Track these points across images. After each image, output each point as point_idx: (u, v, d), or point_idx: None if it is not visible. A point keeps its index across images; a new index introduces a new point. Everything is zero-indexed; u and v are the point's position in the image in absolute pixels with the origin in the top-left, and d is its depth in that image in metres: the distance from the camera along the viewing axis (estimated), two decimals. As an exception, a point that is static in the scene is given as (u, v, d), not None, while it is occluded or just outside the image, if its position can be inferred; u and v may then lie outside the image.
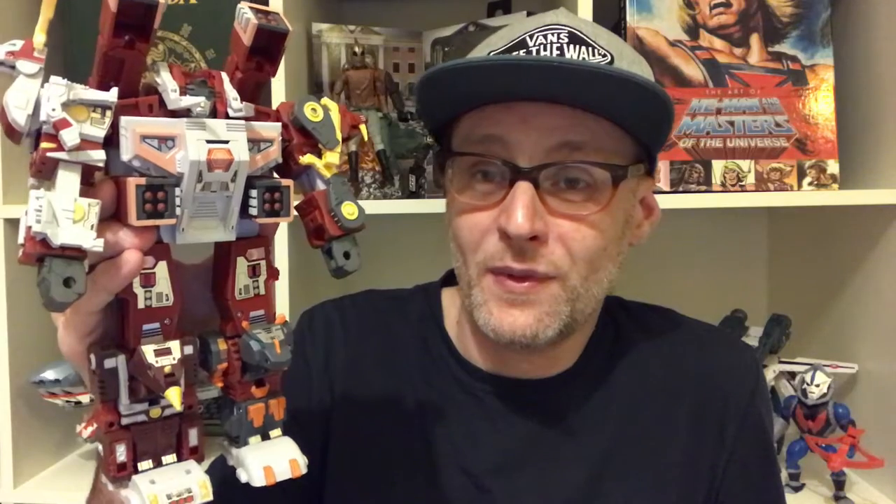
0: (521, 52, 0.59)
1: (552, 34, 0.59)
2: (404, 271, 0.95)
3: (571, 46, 0.58)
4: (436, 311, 0.73)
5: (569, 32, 0.59)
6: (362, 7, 1.32)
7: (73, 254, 0.34)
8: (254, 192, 0.40)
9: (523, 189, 0.57)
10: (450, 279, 0.73)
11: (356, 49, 1.12)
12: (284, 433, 0.44)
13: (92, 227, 0.34)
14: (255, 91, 0.42)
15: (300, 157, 0.42)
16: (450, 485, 0.65)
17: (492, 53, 0.60)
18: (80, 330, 0.39)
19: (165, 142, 0.37)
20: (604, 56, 0.59)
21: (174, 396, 0.37)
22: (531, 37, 0.59)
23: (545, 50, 0.58)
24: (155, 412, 0.40)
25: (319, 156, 0.43)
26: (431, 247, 1.04)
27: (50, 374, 1.09)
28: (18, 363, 1.09)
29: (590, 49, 0.58)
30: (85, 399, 1.12)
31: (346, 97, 1.11)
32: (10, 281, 1.07)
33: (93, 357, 0.39)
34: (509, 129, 0.58)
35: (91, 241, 0.34)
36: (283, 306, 1.02)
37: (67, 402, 1.12)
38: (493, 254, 0.59)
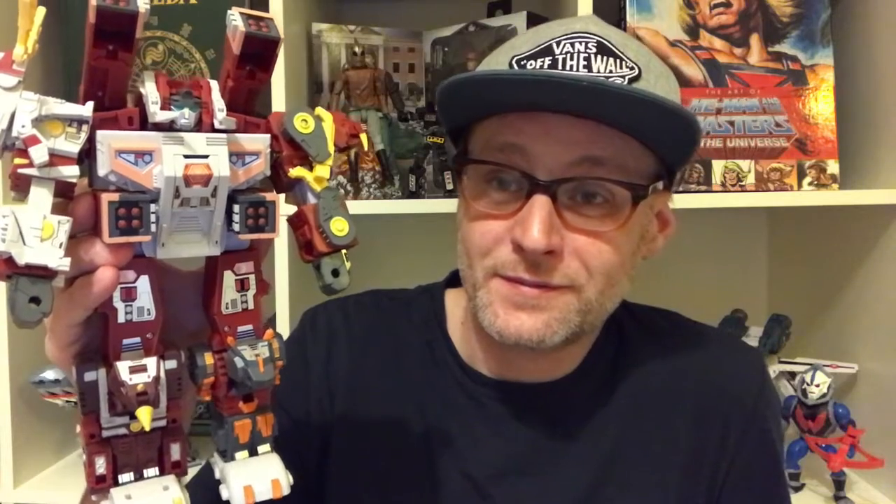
0: (547, 60, 0.57)
1: (580, 43, 0.57)
2: (404, 271, 0.95)
3: (599, 57, 0.56)
4: (439, 314, 0.72)
5: (597, 42, 0.57)
6: (362, 7, 1.32)
7: (40, 273, 0.33)
8: (237, 208, 0.39)
9: (541, 203, 0.56)
10: (454, 280, 0.73)
11: (356, 49, 1.12)
12: (275, 448, 0.43)
13: (60, 245, 0.34)
14: (248, 99, 0.41)
15: (290, 169, 0.40)
16: (452, 490, 0.65)
17: (516, 58, 0.59)
18: (61, 340, 0.39)
19: (142, 156, 0.36)
20: (631, 69, 0.57)
21: (144, 416, 0.37)
22: (558, 44, 0.57)
23: (572, 59, 0.56)
24: (135, 426, 0.39)
25: (311, 168, 0.41)
26: (431, 247, 1.04)
27: (50, 374, 1.09)
28: (18, 363, 1.09)
29: (618, 61, 0.57)
30: (85, 399, 1.12)
31: (346, 97, 1.11)
32: (10, 281, 1.07)
33: (73, 369, 0.39)
34: (531, 139, 0.57)
35: (57, 261, 0.33)
36: (283, 311, 1.02)
37: (67, 402, 1.12)
38: (504, 262, 0.58)
